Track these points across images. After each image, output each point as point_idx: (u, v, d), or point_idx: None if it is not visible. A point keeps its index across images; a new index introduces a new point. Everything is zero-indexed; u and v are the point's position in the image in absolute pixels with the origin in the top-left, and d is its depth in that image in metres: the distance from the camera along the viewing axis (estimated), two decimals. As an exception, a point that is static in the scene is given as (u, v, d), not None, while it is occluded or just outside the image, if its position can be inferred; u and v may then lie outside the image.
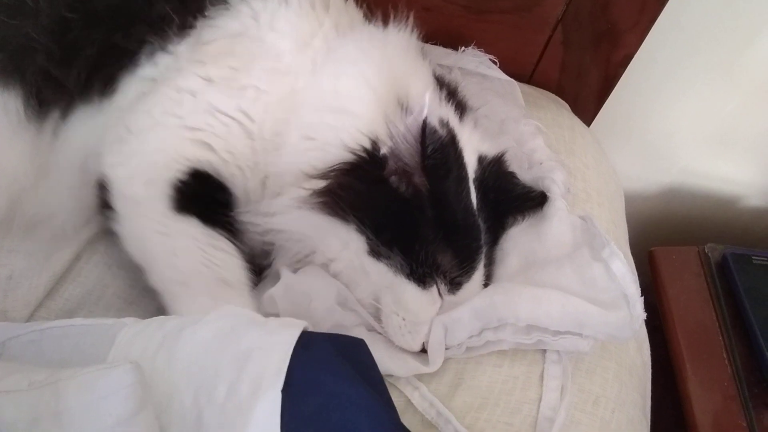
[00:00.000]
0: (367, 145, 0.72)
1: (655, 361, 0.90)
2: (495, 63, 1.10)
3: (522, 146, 0.94)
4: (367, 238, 0.72)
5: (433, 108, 0.69)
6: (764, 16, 1.11)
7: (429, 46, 1.08)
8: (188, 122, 0.75)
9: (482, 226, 0.76)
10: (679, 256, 1.17)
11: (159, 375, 0.53)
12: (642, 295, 0.75)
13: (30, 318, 0.75)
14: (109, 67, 0.76)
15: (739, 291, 1.08)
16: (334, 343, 0.56)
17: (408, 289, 0.73)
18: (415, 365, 0.73)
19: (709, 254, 1.16)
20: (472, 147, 0.79)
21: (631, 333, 0.74)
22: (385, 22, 0.84)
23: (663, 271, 1.14)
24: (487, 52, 1.10)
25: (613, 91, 1.16)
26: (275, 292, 0.72)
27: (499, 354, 0.75)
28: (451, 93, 0.84)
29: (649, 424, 0.83)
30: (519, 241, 0.83)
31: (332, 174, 0.72)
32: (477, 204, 0.76)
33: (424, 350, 0.74)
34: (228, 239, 0.74)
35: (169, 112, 0.75)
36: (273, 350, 0.53)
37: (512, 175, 0.85)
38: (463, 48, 1.10)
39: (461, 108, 0.84)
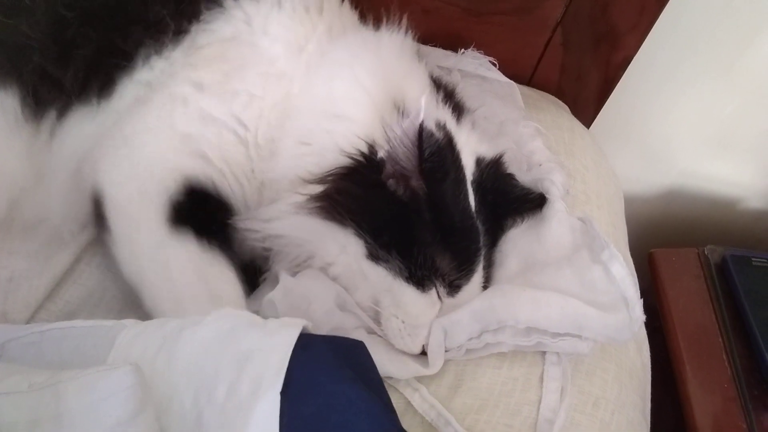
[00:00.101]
0: (364, 149, 0.72)
1: (655, 362, 0.90)
2: (494, 65, 1.10)
3: (521, 148, 0.94)
4: (366, 241, 0.72)
5: (429, 111, 0.69)
6: (764, 17, 1.11)
7: (428, 48, 1.08)
8: (181, 129, 0.75)
9: (481, 228, 0.76)
10: (679, 258, 1.17)
11: (159, 376, 0.53)
12: (642, 297, 0.75)
13: (30, 320, 0.75)
14: (107, 68, 0.76)
15: (738, 293, 1.08)
16: (333, 345, 0.56)
17: (407, 292, 0.73)
18: (414, 367, 0.73)
19: (709, 256, 1.16)
20: (470, 149, 0.79)
21: (631, 335, 0.74)
22: (379, 24, 0.84)
23: (663, 273, 1.14)
24: (487, 53, 1.10)
25: (613, 92, 1.16)
26: (274, 295, 0.72)
27: (498, 356, 0.75)
28: (448, 95, 0.84)
29: (649, 425, 0.83)
30: (518, 243, 0.83)
31: (329, 178, 0.72)
32: (475, 206, 0.76)
33: (423, 352, 0.74)
34: (223, 254, 0.74)
35: (163, 119, 0.75)
36: (272, 351, 0.53)
37: (511, 176, 0.85)
38: (462, 50, 1.10)
39: (459, 110, 0.84)
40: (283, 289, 0.73)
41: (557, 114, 1.11)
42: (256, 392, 0.51)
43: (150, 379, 0.51)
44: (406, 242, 0.71)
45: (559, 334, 0.73)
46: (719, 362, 1.01)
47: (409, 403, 0.71)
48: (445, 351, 0.74)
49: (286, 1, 0.81)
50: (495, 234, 0.81)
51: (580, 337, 0.73)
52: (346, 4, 0.89)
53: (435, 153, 0.69)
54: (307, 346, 0.54)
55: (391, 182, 0.71)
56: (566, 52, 1.12)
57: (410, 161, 0.69)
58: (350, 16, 0.89)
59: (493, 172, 0.81)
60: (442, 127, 0.74)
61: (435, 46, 1.11)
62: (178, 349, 0.55)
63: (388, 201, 0.71)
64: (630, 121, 1.32)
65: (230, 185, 0.77)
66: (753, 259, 1.14)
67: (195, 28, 0.78)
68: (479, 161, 0.80)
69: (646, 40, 1.06)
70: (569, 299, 0.73)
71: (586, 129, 1.16)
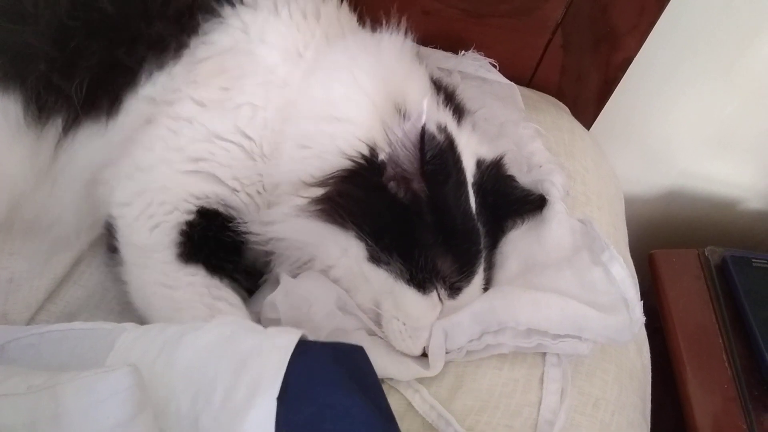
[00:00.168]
0: (365, 151, 0.72)
1: (655, 363, 0.90)
2: (495, 66, 1.10)
3: (521, 149, 0.94)
4: (367, 244, 0.72)
5: (431, 113, 0.69)
6: (764, 17, 1.11)
7: (428, 50, 1.08)
8: (190, 153, 0.75)
9: (481, 230, 0.76)
10: (679, 259, 1.17)
11: (158, 379, 0.53)
12: (642, 298, 0.76)
13: (30, 321, 0.75)
14: (113, 84, 0.76)
15: (739, 293, 1.08)
16: (332, 351, 0.56)
17: (408, 295, 0.73)
18: (415, 369, 0.73)
19: (709, 257, 1.16)
20: (471, 150, 0.79)
21: (631, 336, 0.74)
22: (378, 27, 0.84)
23: (663, 274, 1.14)
24: (487, 55, 1.10)
25: (613, 94, 1.16)
26: (275, 297, 0.72)
27: (499, 357, 0.76)
28: (448, 96, 0.84)
29: (649, 426, 0.83)
30: (518, 244, 0.83)
31: (330, 181, 0.72)
32: (476, 208, 0.76)
33: (424, 354, 0.74)
34: (232, 286, 0.75)
35: (170, 145, 0.75)
36: (270, 357, 0.53)
37: (511, 178, 0.85)
38: (463, 51, 1.10)
39: (459, 111, 0.84)
40: (284, 290, 0.73)
41: (557, 115, 1.11)
42: (252, 397, 0.51)
43: (149, 381, 0.51)
44: (407, 245, 0.71)
45: (559, 336, 0.73)
46: (719, 363, 1.01)
47: (409, 405, 0.72)
48: (446, 352, 0.74)
49: (283, 9, 0.81)
50: (495, 236, 0.81)
51: (580, 338, 0.73)
52: (345, 7, 0.89)
53: (436, 155, 0.69)
54: (306, 352, 0.54)
55: (392, 185, 0.71)
56: (566, 54, 1.12)
57: (412, 164, 0.69)
58: (349, 19, 0.89)
59: (493, 173, 0.81)
60: (443, 129, 0.74)
61: (435, 47, 1.11)
62: (178, 353, 0.55)
63: (389, 203, 0.71)
64: (630, 122, 1.32)
65: (242, 201, 0.77)
66: (753, 260, 1.14)
67: (194, 42, 0.78)
68: (480, 163, 0.80)
69: (646, 40, 1.06)
70: (569, 300, 0.73)
71: (586, 130, 1.16)
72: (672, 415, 0.99)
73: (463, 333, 0.73)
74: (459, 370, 0.75)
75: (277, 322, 0.73)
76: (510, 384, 0.74)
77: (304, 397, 0.52)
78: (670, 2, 1.00)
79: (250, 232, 0.75)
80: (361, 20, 0.90)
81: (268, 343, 0.55)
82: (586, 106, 1.19)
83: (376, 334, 0.75)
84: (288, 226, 0.73)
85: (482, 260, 0.77)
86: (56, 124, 0.75)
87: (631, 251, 1.00)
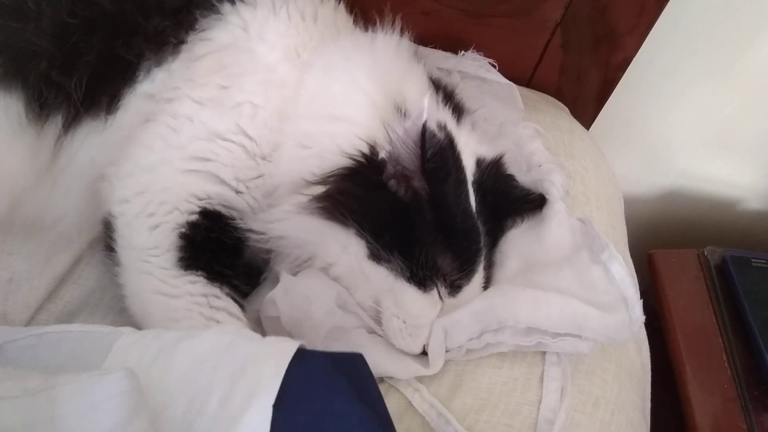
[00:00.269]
0: (365, 150, 0.72)
1: (655, 363, 0.90)
2: (494, 66, 1.10)
3: (521, 149, 0.94)
4: (367, 242, 0.72)
5: (431, 111, 0.69)
6: (764, 17, 1.11)
7: (428, 50, 1.08)
8: (191, 152, 0.75)
9: (481, 228, 0.76)
10: (679, 259, 1.17)
11: (154, 384, 0.53)
12: (641, 298, 0.76)
13: (30, 320, 0.75)
14: (112, 80, 0.76)
15: (738, 293, 1.08)
16: (330, 359, 0.56)
17: (408, 293, 0.73)
18: (415, 367, 0.73)
19: (709, 257, 1.16)
20: (470, 150, 0.79)
21: (631, 335, 0.74)
22: (373, 27, 0.84)
23: (662, 274, 1.14)
24: (487, 55, 1.11)
25: (612, 94, 1.16)
26: (275, 294, 0.72)
27: (498, 356, 0.75)
28: (447, 96, 0.84)
29: (649, 426, 0.83)
30: (518, 243, 0.83)
31: (331, 179, 0.73)
32: (476, 206, 0.76)
33: (424, 352, 0.74)
34: (232, 295, 0.74)
35: (171, 143, 0.75)
36: (268, 364, 0.53)
37: (511, 177, 0.85)
38: (462, 51, 1.10)
39: (458, 111, 0.84)
40: (283, 288, 0.73)
41: (557, 115, 1.11)
42: (249, 403, 0.50)
43: (145, 386, 0.50)
44: (407, 242, 0.72)
45: (559, 334, 0.73)
46: (719, 363, 1.01)
47: (409, 403, 0.71)
48: (446, 351, 0.74)
49: (282, 9, 0.81)
50: (495, 234, 0.82)
51: (580, 337, 0.73)
52: (341, 9, 0.89)
53: (437, 153, 0.69)
54: (304, 360, 0.54)
55: (392, 183, 0.72)
56: (566, 54, 1.13)
57: (412, 161, 0.69)
58: (345, 21, 0.89)
59: (493, 172, 0.81)
60: (443, 127, 0.74)
61: (435, 47, 1.11)
62: (175, 359, 0.55)
63: (390, 201, 0.71)
64: (629, 122, 1.32)
65: (245, 201, 0.77)
66: (753, 260, 1.14)
67: (192, 38, 0.78)
68: (480, 162, 0.80)
69: (645, 40, 1.06)
70: (569, 299, 0.73)
71: (585, 130, 1.16)
72: (672, 414, 0.99)
73: (462, 331, 0.73)
74: (459, 368, 0.75)
75: (276, 320, 0.73)
76: (510, 383, 0.74)
77: (301, 403, 0.51)
78: (670, 2, 1.00)
79: (252, 230, 0.75)
80: (356, 21, 0.90)
81: (266, 350, 0.55)
82: (586, 106, 1.19)
83: (375, 333, 0.75)
84: (289, 223, 0.73)
85: (482, 258, 0.77)
86: (56, 122, 0.75)
87: (630, 251, 0.99)
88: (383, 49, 0.81)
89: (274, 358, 0.53)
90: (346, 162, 0.72)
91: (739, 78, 1.19)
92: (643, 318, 0.75)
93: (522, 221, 0.85)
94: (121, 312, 0.77)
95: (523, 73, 1.17)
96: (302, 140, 0.76)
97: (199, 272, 0.73)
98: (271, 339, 0.58)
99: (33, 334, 0.60)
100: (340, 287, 0.75)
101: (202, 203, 0.74)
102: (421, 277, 0.72)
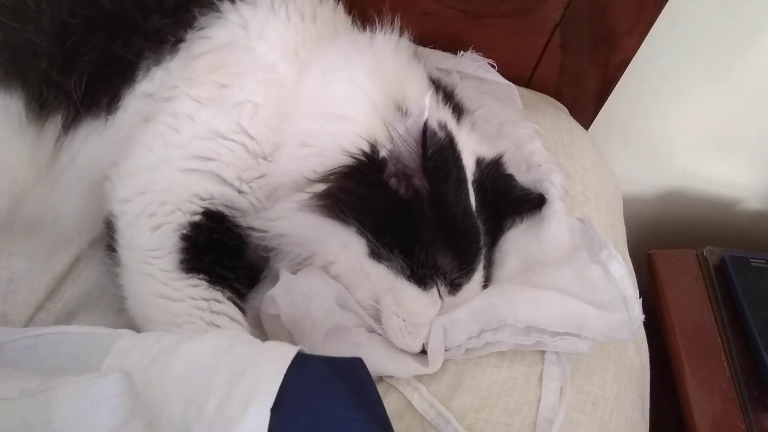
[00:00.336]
0: (366, 148, 0.72)
1: (654, 363, 0.90)
2: (493, 67, 1.10)
3: (520, 149, 0.94)
4: (368, 240, 0.72)
5: (432, 110, 0.69)
6: (763, 17, 1.11)
7: (427, 50, 1.08)
8: (192, 150, 0.75)
9: (481, 227, 0.76)
10: (678, 259, 1.17)
11: (152, 386, 0.53)
12: (641, 298, 0.76)
13: (30, 320, 0.75)
14: (112, 80, 0.76)
15: (737, 293, 1.08)
16: (329, 363, 0.56)
17: (408, 291, 0.73)
18: (415, 366, 0.73)
19: (708, 257, 1.16)
20: (470, 149, 0.79)
21: (630, 334, 0.74)
22: (372, 27, 0.84)
23: (662, 274, 1.15)
24: (486, 55, 1.11)
25: (612, 94, 1.16)
26: (275, 293, 0.73)
27: (498, 355, 0.76)
28: (447, 95, 0.84)
29: (648, 425, 0.83)
30: (518, 242, 0.83)
31: (332, 177, 0.73)
32: (476, 206, 0.76)
33: (423, 351, 0.74)
34: (233, 299, 0.74)
35: (171, 143, 0.75)
36: (267, 368, 0.53)
37: (510, 177, 0.85)
38: (461, 52, 1.10)
39: (458, 110, 0.84)
40: (283, 286, 0.73)
41: (556, 115, 1.11)
42: (247, 407, 0.50)
43: (143, 388, 0.50)
44: (407, 241, 0.72)
45: (558, 333, 0.73)
46: (718, 363, 1.01)
47: (408, 402, 0.72)
48: (445, 350, 0.74)
49: (281, 8, 0.81)
50: (495, 234, 0.82)
51: (579, 336, 0.73)
52: (340, 9, 0.89)
53: (438, 152, 0.69)
54: (303, 365, 0.54)
55: (393, 181, 0.72)
56: (565, 54, 1.13)
57: (413, 160, 0.69)
58: (344, 21, 0.89)
59: (493, 172, 0.81)
60: (443, 126, 0.74)
61: (434, 48, 1.11)
62: (174, 361, 0.54)
63: (390, 200, 0.72)
64: (629, 123, 1.32)
65: (247, 200, 0.77)
66: (752, 260, 1.14)
67: (191, 36, 0.78)
68: (479, 162, 0.80)
69: (645, 41, 1.06)
70: (569, 298, 0.73)
71: (584, 130, 1.16)
72: (671, 414, 0.99)
73: (462, 330, 0.73)
74: (458, 367, 0.75)
75: (276, 318, 0.73)
76: (509, 382, 0.74)
77: (300, 407, 0.51)
78: (670, 2, 1.00)
79: (253, 229, 0.75)
80: (355, 22, 0.90)
81: (265, 354, 0.55)
82: (585, 107, 1.19)
83: (375, 331, 0.75)
84: (290, 221, 0.73)
85: (482, 257, 0.77)
86: (56, 122, 0.75)
87: (629, 251, 1.00)
88: (382, 49, 0.81)
89: (273, 362, 0.53)
90: (347, 160, 0.72)
91: (739, 78, 1.20)
92: (642, 317, 0.75)
93: (521, 221, 0.85)
94: (120, 312, 0.76)
95: (522, 73, 1.17)
96: (303, 139, 0.76)
97: (201, 275, 0.73)
98: (270, 343, 0.58)
99: (32, 334, 0.60)
100: (340, 286, 0.75)
101: (205, 203, 0.74)
102: (421, 275, 0.72)
